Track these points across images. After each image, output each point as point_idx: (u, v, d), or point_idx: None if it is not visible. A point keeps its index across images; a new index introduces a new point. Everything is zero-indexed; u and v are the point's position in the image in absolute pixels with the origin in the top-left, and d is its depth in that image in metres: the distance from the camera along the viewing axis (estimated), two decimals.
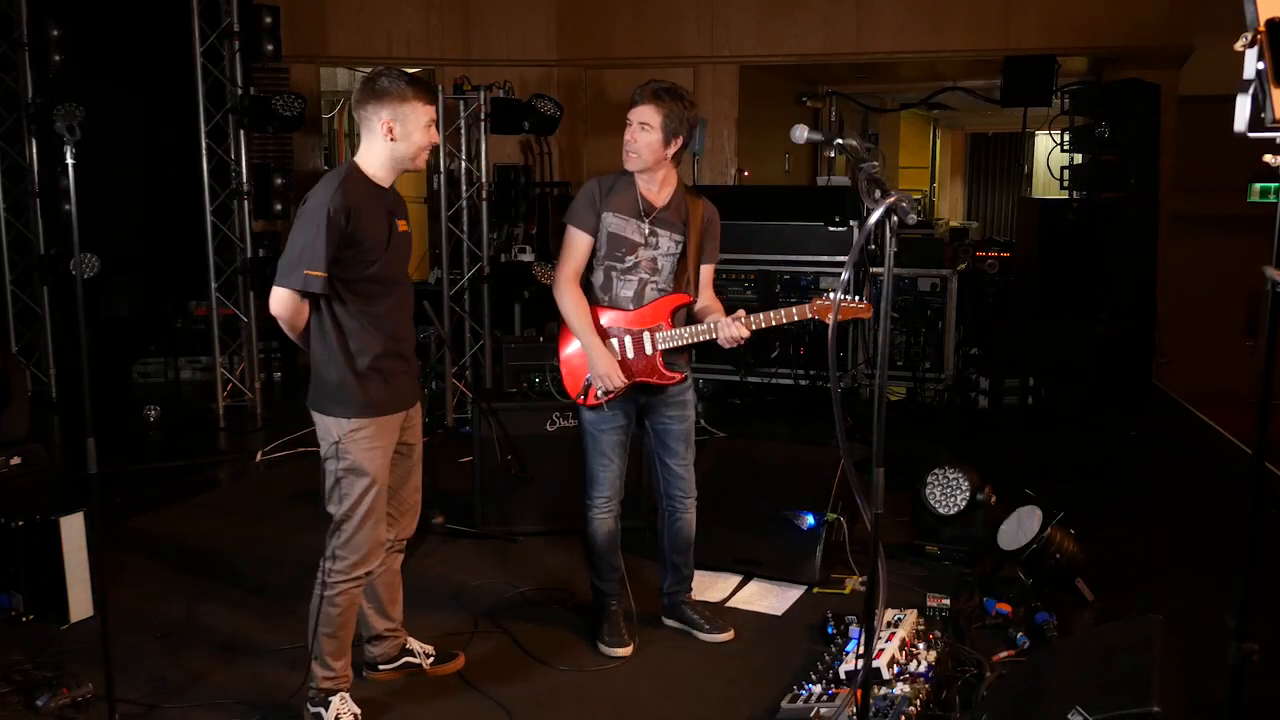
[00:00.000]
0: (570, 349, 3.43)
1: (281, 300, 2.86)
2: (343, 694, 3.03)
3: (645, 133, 3.28)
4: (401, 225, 3.04)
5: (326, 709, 2.99)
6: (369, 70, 3.16)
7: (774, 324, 3.29)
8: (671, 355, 3.41)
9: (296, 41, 7.78)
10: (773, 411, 6.86)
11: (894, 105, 10.72)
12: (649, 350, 3.37)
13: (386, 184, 2.99)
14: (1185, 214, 8.29)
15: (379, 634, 3.32)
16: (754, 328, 3.30)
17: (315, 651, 3.02)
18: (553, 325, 7.55)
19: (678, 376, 3.43)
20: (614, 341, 3.37)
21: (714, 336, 3.33)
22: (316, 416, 2.99)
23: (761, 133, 9.04)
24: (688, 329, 3.37)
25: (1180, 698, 2.53)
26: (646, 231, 3.36)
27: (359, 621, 3.31)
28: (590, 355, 3.33)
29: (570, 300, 3.36)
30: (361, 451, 2.94)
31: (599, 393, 3.36)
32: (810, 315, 3.28)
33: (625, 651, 3.51)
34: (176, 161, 7.36)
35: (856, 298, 3.41)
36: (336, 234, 2.81)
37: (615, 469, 3.48)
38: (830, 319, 2.39)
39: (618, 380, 3.32)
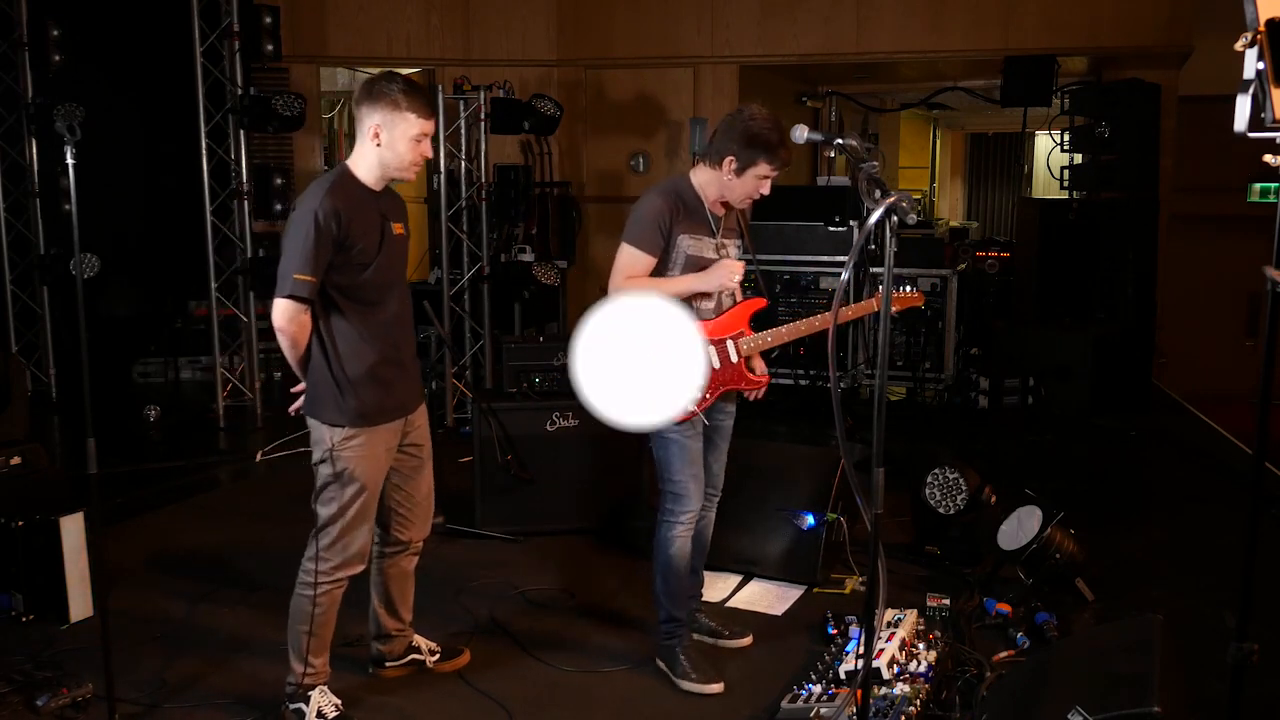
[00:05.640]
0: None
1: (281, 311, 2.81)
2: (321, 688, 3.03)
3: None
4: (397, 228, 2.99)
5: (307, 703, 2.99)
6: (376, 71, 3.08)
7: (849, 319, 3.21)
8: (753, 359, 3.34)
9: (296, 41, 7.78)
10: (773, 411, 6.85)
11: (894, 105, 10.69)
12: (734, 358, 3.27)
13: (378, 188, 2.94)
14: (1185, 214, 8.27)
15: (388, 633, 3.32)
16: (829, 325, 3.20)
17: (296, 648, 3.00)
18: (558, 330, 7.56)
19: (765, 379, 3.35)
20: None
21: (794, 337, 3.30)
22: (311, 422, 2.97)
23: None
24: (769, 332, 3.29)
25: (1180, 698, 2.53)
26: (719, 245, 3.28)
27: (369, 620, 3.32)
28: (707, 280, 3.17)
29: (640, 286, 3.14)
30: (354, 459, 2.92)
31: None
32: (875, 309, 3.18)
33: (719, 687, 3.26)
34: (176, 161, 7.36)
35: (909, 287, 3.31)
36: (327, 239, 2.77)
37: (701, 478, 3.35)
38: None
39: (738, 269, 3.18)
